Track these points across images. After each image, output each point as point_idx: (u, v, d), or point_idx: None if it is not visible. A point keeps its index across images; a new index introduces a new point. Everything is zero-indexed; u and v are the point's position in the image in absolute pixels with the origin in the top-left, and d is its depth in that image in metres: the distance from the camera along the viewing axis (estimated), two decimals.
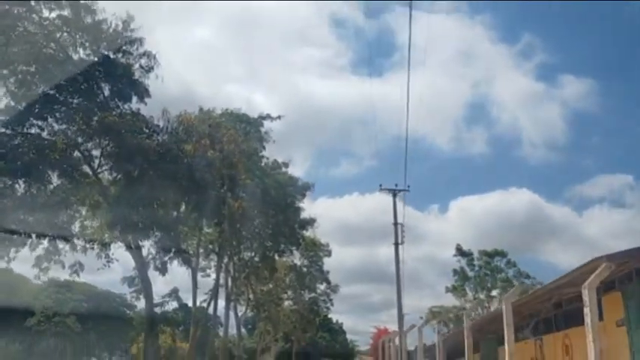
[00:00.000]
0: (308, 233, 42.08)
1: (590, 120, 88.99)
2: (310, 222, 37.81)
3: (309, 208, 38.48)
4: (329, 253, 45.63)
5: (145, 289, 26.59)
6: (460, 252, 55.68)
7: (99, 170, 23.98)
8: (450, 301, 58.89)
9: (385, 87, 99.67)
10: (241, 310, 48.85)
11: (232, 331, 54.97)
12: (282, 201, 34.86)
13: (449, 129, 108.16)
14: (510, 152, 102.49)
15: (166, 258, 26.42)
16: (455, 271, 55.61)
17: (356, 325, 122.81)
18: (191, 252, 34.66)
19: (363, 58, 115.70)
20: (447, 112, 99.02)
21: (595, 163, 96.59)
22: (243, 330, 72.99)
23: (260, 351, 58.15)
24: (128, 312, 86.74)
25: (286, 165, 36.03)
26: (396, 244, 37.86)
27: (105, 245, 26.22)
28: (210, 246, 35.01)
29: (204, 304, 39.17)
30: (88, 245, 26.46)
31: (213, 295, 37.66)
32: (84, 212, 25.65)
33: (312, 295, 63.41)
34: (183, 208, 27.70)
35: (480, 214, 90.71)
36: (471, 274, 55.60)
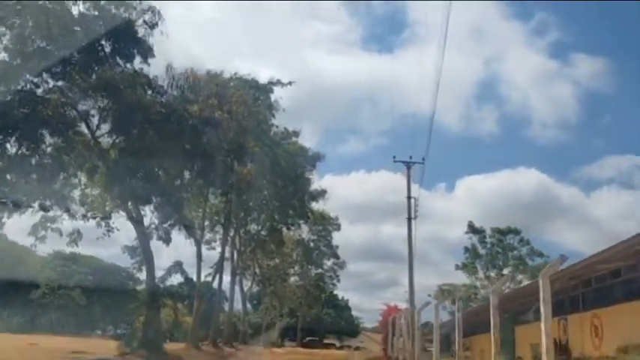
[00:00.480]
0: (318, 206, 40.46)
1: (601, 100, 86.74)
2: (321, 194, 36.02)
3: (317, 181, 36.66)
4: (338, 227, 43.99)
5: (147, 260, 24.93)
6: (472, 229, 53.91)
7: (97, 131, 22.08)
8: (460, 279, 57.49)
9: (395, 64, 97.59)
10: (247, 285, 47.62)
11: (237, 306, 53.93)
12: (292, 171, 33.04)
13: (459, 107, 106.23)
14: (520, 131, 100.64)
15: (169, 227, 24.74)
16: (466, 249, 53.97)
17: (361, 302, 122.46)
18: (196, 223, 33.06)
19: (373, 35, 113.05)
20: (457, 90, 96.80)
21: (605, 143, 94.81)
22: (248, 305, 71.94)
23: (265, 326, 56.93)
24: (133, 285, 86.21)
25: (296, 134, 34.06)
26: (409, 219, 36.09)
27: (104, 213, 24.57)
28: (216, 217, 33.34)
29: (210, 279, 37.70)
30: (87, 213, 24.87)
31: (219, 268, 36.13)
32: (82, 178, 23.86)
33: (319, 271, 62.16)
34: (187, 174, 25.88)
35: (488, 193, 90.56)
36: (482, 251, 53.88)
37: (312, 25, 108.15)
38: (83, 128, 21.81)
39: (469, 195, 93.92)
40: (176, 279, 43.44)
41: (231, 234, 40.55)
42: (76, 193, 24.89)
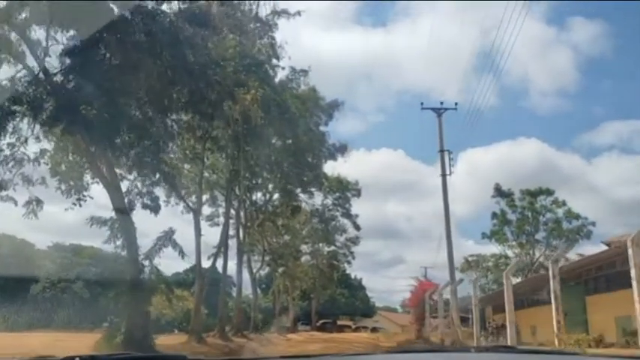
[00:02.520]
0: (337, 166, 33.78)
1: (600, 65, 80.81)
2: (341, 149, 29.38)
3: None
4: (358, 193, 37.50)
5: (125, 233, 18.61)
6: (499, 192, 47.49)
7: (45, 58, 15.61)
8: (487, 249, 51.61)
9: (390, 37, 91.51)
10: (255, 266, 41.42)
11: (247, 290, 47.72)
12: (303, 122, 26.51)
13: (457, 79, 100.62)
14: (519, 101, 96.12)
15: (152, 184, 18.45)
16: (494, 214, 47.57)
17: (367, 282, 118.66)
18: (192, 189, 26.75)
19: (366, 8, 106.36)
20: (455, 62, 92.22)
21: (604, 109, 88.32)
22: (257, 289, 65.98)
23: (277, 311, 50.71)
24: (140, 276, 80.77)
25: (305, 73, 27.11)
26: (444, 175, 29.91)
27: (64, 173, 18.23)
28: (216, 178, 26.80)
29: (214, 261, 31.35)
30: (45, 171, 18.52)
31: (222, 243, 29.72)
32: (33, 125, 17.33)
33: (332, 248, 55.97)
34: (174, 120, 19.42)
35: (489, 165, 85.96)
36: (512, 216, 47.54)
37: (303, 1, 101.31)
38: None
39: (470, 168, 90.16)
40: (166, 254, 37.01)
41: (235, 205, 34.20)
42: (31, 150, 18.55)
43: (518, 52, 77.34)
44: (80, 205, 20.66)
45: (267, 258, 39.96)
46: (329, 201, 37.27)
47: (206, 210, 34.78)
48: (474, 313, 21.34)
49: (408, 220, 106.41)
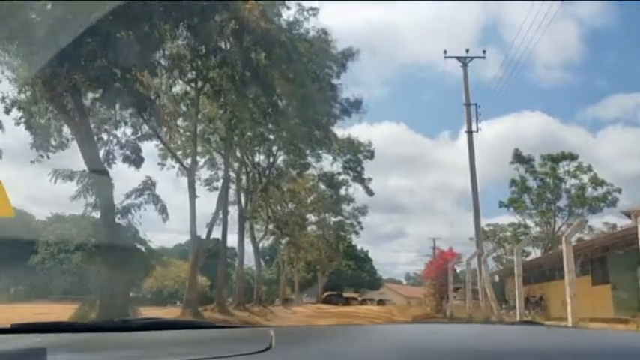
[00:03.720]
0: (344, 134, 30.05)
1: (605, 37, 77.22)
2: (355, 104, 25.40)
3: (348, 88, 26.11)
4: (370, 155, 33.63)
5: (99, 188, 15.07)
6: (518, 158, 43.71)
7: None
8: (505, 219, 48.28)
9: (392, 10, 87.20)
10: (258, 235, 37.94)
11: (249, 262, 44.48)
12: (313, 68, 22.66)
13: (461, 53, 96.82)
14: (523, 75, 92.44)
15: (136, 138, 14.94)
16: (513, 182, 43.84)
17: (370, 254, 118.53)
18: (186, 147, 23.13)
19: None
20: (457, 36, 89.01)
21: (609, 82, 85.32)
22: (261, 262, 63.03)
23: (283, 283, 47.46)
24: (140, 246, 78.13)
25: (315, 12, 22.87)
26: (469, 133, 26.14)
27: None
28: (211, 126, 23.02)
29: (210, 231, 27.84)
30: None
31: (221, 209, 26.21)
32: None
33: (338, 218, 52.53)
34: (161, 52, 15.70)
35: (493, 139, 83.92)
36: (532, 183, 43.80)
37: None
38: None
39: (475, 141, 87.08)
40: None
41: (236, 167, 30.55)
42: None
43: (520, 25, 74.27)
44: (48, 157, 17.26)
45: (270, 226, 36.45)
46: (339, 164, 33.52)
47: (204, 173, 31.24)
48: (517, 283, 18.03)
49: (410, 193, 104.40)
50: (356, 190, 36.04)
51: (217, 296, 26.14)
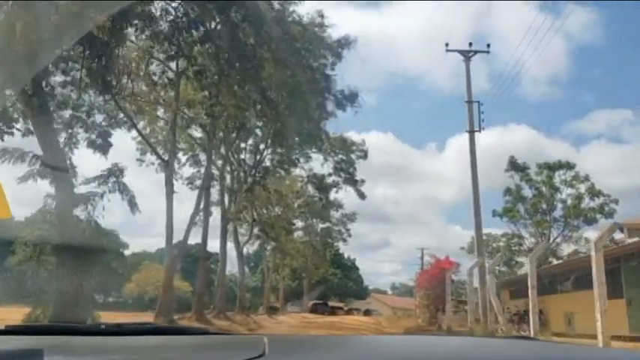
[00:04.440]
0: (335, 132, 27.84)
1: (592, 53, 77.81)
2: (350, 98, 23.07)
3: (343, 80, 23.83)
4: (364, 155, 31.34)
5: (56, 178, 12.71)
6: (513, 165, 41.82)
7: None
8: (498, 229, 46.34)
9: (383, 19, 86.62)
10: (242, 240, 35.46)
11: (233, 268, 41.97)
12: (306, 54, 20.42)
13: (449, 64, 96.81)
14: (510, 88, 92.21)
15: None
16: (507, 190, 41.87)
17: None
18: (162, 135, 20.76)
19: None
20: (445, 47, 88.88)
21: (594, 97, 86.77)
22: (245, 268, 60.54)
23: (268, 290, 44.87)
24: (122, 249, 75.20)
25: None
26: (471, 132, 24.12)
27: None
28: (191, 112, 20.57)
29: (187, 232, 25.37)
30: None
31: (202, 210, 23.89)
32: None
33: (326, 225, 50.30)
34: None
35: (479, 151, 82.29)
36: (528, 192, 41.84)
37: None
38: None
39: (460, 153, 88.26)
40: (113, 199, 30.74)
41: (219, 164, 28.14)
42: None
43: (509, 37, 73.43)
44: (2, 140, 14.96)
45: (256, 230, 34.02)
46: (329, 164, 31.21)
47: (186, 171, 28.88)
48: (531, 295, 15.94)
49: (396, 204, 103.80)
50: (346, 194, 33.92)
51: (196, 303, 23.67)
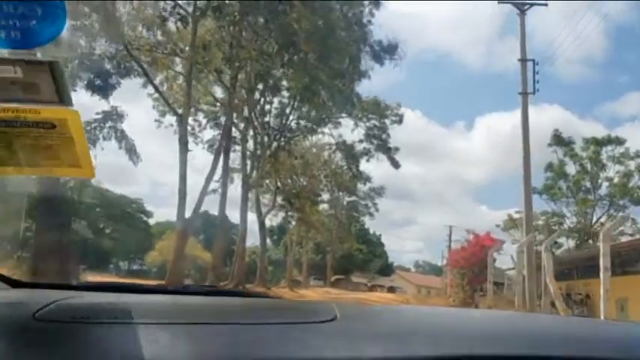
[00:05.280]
0: (369, 95, 24.97)
1: (628, 34, 72.75)
2: (389, 50, 20.04)
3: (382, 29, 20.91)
4: (399, 120, 28.35)
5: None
6: (557, 140, 38.40)
7: None
8: (537, 206, 43.20)
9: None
10: (264, 209, 33.09)
11: (254, 240, 39.79)
12: (336, 2, 17.57)
13: (480, 43, 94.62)
14: (543, 67, 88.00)
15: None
16: (549, 166, 38.51)
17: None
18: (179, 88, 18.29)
19: None
20: (477, 24, 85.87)
21: (629, 79, 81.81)
22: (267, 240, 58.70)
23: (290, 263, 42.67)
24: (145, 218, 74.29)
25: None
26: (525, 94, 21.06)
27: None
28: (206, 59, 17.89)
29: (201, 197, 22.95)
30: None
31: (222, 174, 21.52)
32: None
33: (352, 198, 47.72)
34: None
35: (509, 131, 79.80)
36: (572, 169, 38.45)
37: None
38: None
39: (489, 133, 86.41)
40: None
41: (241, 126, 25.59)
42: None
43: (545, 16, 69.17)
44: None
45: (279, 199, 31.59)
46: (361, 130, 28.30)
47: (207, 134, 26.46)
48: (603, 276, 13.25)
49: (422, 182, 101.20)
50: (376, 166, 31.00)
51: (211, 274, 21.46)
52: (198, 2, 15.04)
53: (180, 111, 17.92)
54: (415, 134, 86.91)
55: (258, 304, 1.44)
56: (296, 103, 24.03)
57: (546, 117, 75.17)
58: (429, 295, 48.21)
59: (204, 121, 26.73)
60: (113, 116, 13.42)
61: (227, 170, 22.85)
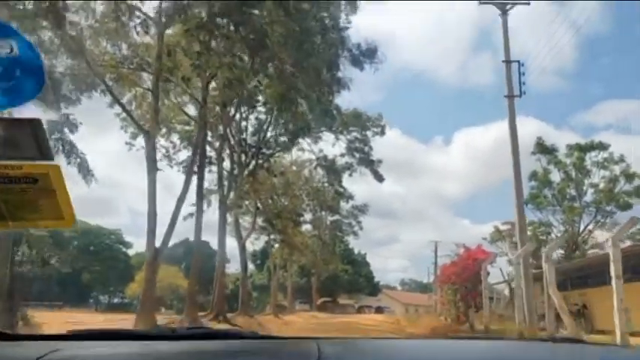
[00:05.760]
0: (348, 107, 23.77)
1: (599, 43, 75.86)
2: (369, 53, 18.68)
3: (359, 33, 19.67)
4: (381, 131, 26.97)
5: None
6: (541, 148, 37.55)
7: None
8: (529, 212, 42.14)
9: (387, 14, 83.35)
10: (245, 232, 31.36)
11: (235, 265, 38.02)
12: (310, 4, 16.36)
13: (455, 57, 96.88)
14: (517, 80, 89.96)
15: None
16: (533, 175, 37.54)
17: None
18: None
19: None
20: (451, 40, 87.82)
21: (603, 88, 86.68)
22: (250, 265, 56.65)
23: (274, 288, 40.78)
24: (124, 249, 71.81)
25: None
26: (510, 97, 20.01)
27: None
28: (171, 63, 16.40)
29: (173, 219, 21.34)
30: None
31: (197, 195, 19.93)
32: None
33: (336, 217, 46.24)
34: None
35: (486, 144, 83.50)
36: (557, 176, 37.55)
37: None
38: None
39: (467, 147, 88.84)
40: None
41: (217, 145, 24.09)
42: None
43: (517, 29, 70.30)
44: None
45: (260, 221, 29.94)
46: (342, 143, 26.87)
47: (182, 155, 24.95)
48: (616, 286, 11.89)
49: (403, 199, 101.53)
50: (359, 181, 29.59)
51: (188, 305, 19.68)
52: (163, 3, 13.70)
53: (147, 126, 16.42)
54: (395, 152, 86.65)
55: (240, 347, 1.41)
56: (273, 118, 22.69)
57: (523, 129, 75.51)
58: (418, 313, 46.66)
59: (178, 142, 25.28)
60: (61, 126, 11.86)
61: (201, 192, 21.24)
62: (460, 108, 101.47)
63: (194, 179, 19.88)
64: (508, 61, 20.25)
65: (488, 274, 22.89)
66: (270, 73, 16.28)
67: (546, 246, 23.74)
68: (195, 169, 19.90)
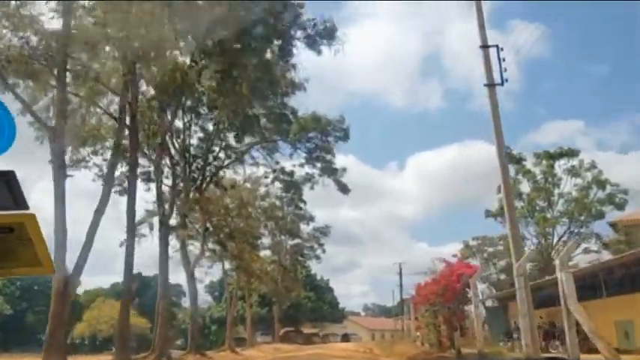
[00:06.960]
0: (306, 111, 20.53)
1: (541, 66, 78.08)
2: (327, 33, 15.15)
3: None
4: (344, 135, 23.36)
5: None
6: (509, 158, 35.14)
7: None
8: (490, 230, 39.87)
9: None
10: (192, 256, 27.26)
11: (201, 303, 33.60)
12: None
13: (403, 83, 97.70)
14: (464, 104, 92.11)
15: None
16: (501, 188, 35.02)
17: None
18: None
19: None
20: (399, 67, 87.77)
21: (546, 109, 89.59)
22: (209, 298, 52.07)
23: (231, 321, 36.42)
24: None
25: None
26: (491, 85, 17.22)
27: None
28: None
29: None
30: None
31: (130, 213, 16.06)
32: None
33: (296, 241, 42.72)
34: None
35: (439, 168, 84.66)
36: (527, 187, 35.27)
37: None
38: None
39: (420, 172, 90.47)
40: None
41: (153, 156, 20.23)
42: None
43: (460, 55, 70.42)
44: None
45: (210, 244, 25.99)
46: (301, 152, 23.24)
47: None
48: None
49: (361, 224, 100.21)
50: (325, 187, 25.98)
51: (119, 343, 15.59)
52: None
53: (52, 123, 12.64)
54: (351, 179, 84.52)
55: None
56: (221, 123, 19.11)
57: (473, 152, 75.10)
58: (385, 339, 43.05)
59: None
60: None
61: (132, 214, 17.17)
62: (410, 132, 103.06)
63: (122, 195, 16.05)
64: (485, 46, 17.49)
65: (477, 289, 19.53)
66: (209, 56, 12.82)
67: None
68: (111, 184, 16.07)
